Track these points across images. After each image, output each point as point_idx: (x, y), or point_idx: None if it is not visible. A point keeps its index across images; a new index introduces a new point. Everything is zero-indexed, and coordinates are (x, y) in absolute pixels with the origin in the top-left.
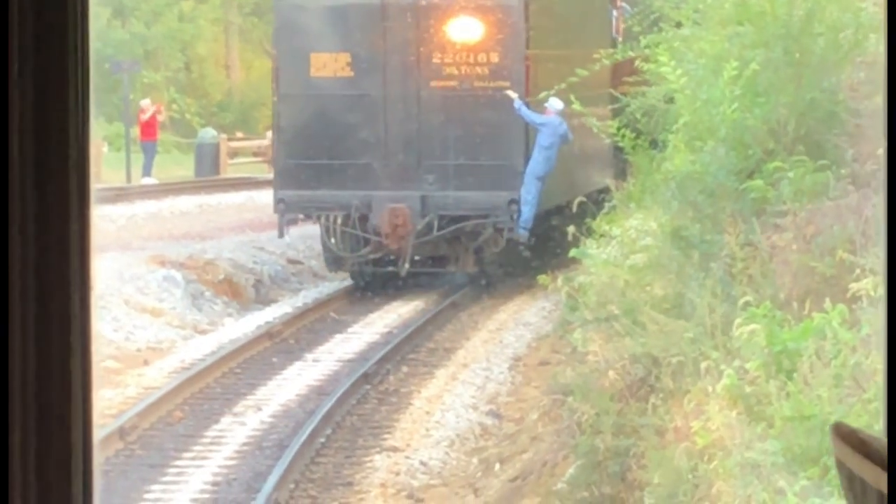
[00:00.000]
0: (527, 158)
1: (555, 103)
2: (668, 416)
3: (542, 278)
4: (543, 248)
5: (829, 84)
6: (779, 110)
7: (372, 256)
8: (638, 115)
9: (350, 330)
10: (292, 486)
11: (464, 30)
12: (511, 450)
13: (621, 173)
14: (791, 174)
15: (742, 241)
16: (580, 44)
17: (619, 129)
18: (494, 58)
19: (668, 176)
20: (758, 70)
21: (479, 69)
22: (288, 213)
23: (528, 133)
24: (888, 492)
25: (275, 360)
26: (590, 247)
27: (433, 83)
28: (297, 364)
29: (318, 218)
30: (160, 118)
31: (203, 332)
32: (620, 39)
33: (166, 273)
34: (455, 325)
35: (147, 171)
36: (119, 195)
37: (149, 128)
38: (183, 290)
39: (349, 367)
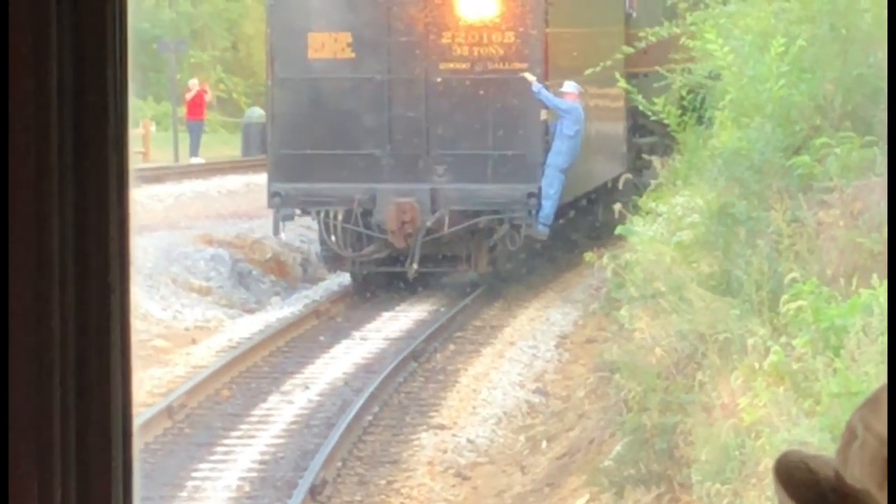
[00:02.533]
0: (546, 148)
1: (572, 86)
2: (714, 392)
3: (588, 256)
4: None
5: (875, 59)
6: (825, 86)
7: (376, 256)
8: (683, 93)
9: (398, 308)
10: (339, 464)
11: (476, 6)
12: (558, 427)
13: (636, 160)
14: (838, 150)
15: (789, 218)
16: (597, 20)
17: (664, 106)
18: (510, 37)
19: (714, 153)
20: (804, 46)
21: (492, 50)
22: (284, 207)
23: (548, 120)
24: (888, 490)
25: (322, 338)
26: (636, 224)
27: (442, 65)
28: (345, 342)
29: (318, 213)
30: (207, 97)
31: (250, 310)
32: (634, 15)
33: (214, 252)
34: (502, 304)
35: (194, 151)
36: (166, 174)
37: (195, 107)
38: (230, 268)
39: (396, 346)
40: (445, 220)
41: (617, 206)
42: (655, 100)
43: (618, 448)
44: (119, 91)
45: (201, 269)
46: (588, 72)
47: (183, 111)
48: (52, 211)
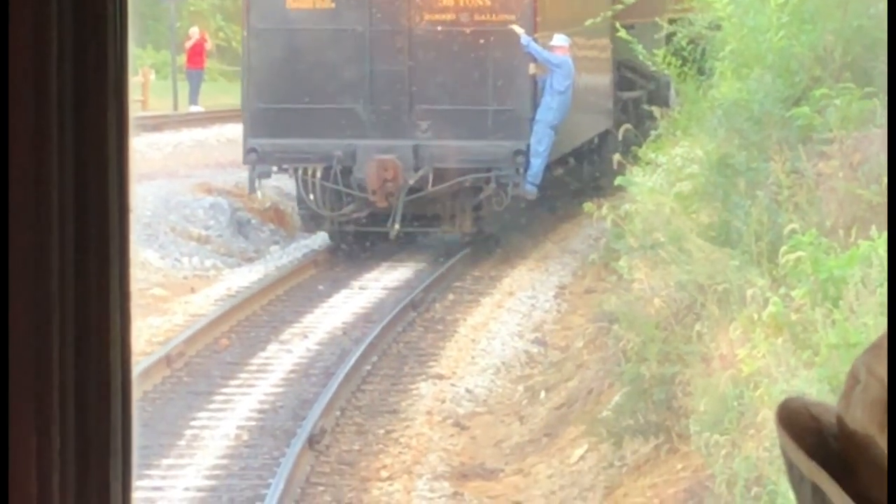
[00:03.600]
0: (534, 103)
1: (562, 39)
2: (713, 343)
3: (587, 206)
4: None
5: (876, 11)
6: (826, 37)
7: (356, 215)
8: (684, 43)
9: (396, 258)
10: (338, 413)
11: None
12: (556, 378)
13: (623, 113)
14: (838, 101)
15: (788, 169)
16: None
17: (664, 57)
18: None
19: (714, 104)
20: None
21: (479, 0)
22: (260, 164)
23: (537, 74)
24: (888, 489)
25: (321, 287)
26: (635, 175)
27: (427, 16)
28: (344, 291)
29: (295, 171)
30: (206, 46)
31: (249, 259)
32: None
33: (213, 201)
34: (501, 254)
35: (193, 99)
36: (165, 123)
37: (195, 55)
38: (229, 217)
39: (395, 295)
40: (429, 178)
41: (616, 157)
42: (656, 51)
43: (616, 398)
44: (119, 39)
45: (200, 218)
46: (588, 22)
47: (182, 59)
48: (51, 159)
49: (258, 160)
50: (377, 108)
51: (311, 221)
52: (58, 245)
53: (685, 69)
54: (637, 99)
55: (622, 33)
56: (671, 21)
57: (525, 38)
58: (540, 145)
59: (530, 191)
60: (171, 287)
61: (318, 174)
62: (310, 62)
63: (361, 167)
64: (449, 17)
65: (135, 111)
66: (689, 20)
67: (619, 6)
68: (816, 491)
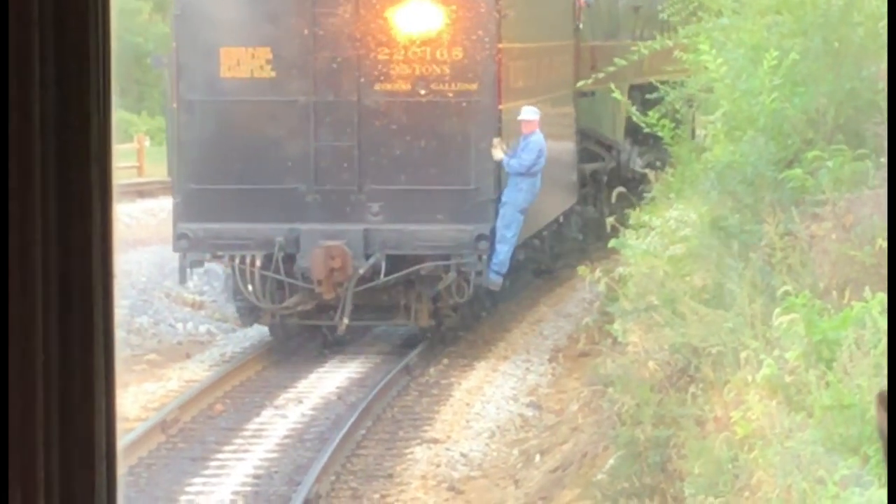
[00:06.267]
0: (498, 182)
1: (532, 112)
2: (707, 406)
3: (581, 269)
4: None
5: (868, 73)
6: (818, 99)
7: (300, 308)
8: (677, 105)
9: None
10: (333, 478)
11: (418, 18)
12: (551, 441)
13: (591, 187)
14: (830, 163)
15: (781, 231)
16: (550, 34)
17: (658, 119)
18: (457, 53)
19: (707, 166)
20: (797, 59)
21: (437, 68)
22: (192, 251)
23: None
24: (888, 483)
25: (316, 352)
26: (629, 238)
27: (378, 86)
28: (339, 356)
29: (232, 259)
30: None
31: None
32: (581, 27)
33: (207, 266)
34: (494, 318)
35: None
36: (160, 189)
37: None
38: (224, 282)
39: (390, 359)
40: (381, 266)
41: (609, 221)
42: (651, 112)
43: (611, 461)
44: (102, 107)
45: (195, 284)
46: (580, 84)
47: None
48: (35, 225)
49: (189, 247)
50: (323, 189)
51: (249, 315)
52: (41, 315)
53: (678, 131)
54: (598, 171)
55: (617, 94)
56: (663, 83)
57: (505, 159)
58: (508, 230)
59: (495, 281)
60: (166, 353)
61: (258, 263)
62: (247, 137)
63: (306, 255)
64: (403, 86)
65: (130, 177)
66: (682, 82)
67: (611, 69)
68: None
